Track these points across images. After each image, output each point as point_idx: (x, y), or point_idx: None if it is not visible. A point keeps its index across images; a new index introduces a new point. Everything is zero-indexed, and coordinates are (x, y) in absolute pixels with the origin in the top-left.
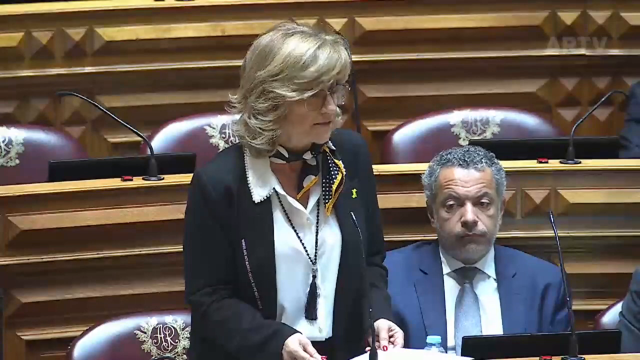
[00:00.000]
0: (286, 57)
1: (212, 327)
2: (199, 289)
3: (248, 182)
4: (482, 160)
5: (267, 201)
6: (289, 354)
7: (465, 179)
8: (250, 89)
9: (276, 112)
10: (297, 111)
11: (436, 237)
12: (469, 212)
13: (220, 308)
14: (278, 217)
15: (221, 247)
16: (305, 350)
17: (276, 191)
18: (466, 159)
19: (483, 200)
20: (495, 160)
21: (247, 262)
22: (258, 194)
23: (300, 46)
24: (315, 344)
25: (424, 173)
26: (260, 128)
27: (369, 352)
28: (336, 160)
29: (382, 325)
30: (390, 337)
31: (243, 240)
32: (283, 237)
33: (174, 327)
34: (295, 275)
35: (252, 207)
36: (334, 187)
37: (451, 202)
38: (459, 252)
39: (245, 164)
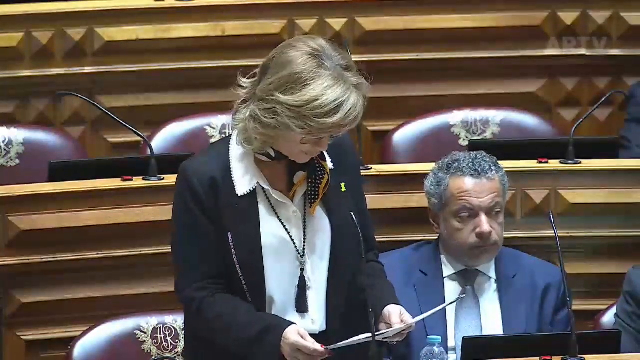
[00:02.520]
0: (311, 99)
1: (207, 323)
2: (190, 284)
3: (232, 175)
4: (492, 168)
5: (252, 194)
6: (292, 345)
7: (479, 189)
8: (262, 98)
9: (274, 130)
10: (292, 138)
11: (436, 237)
12: (485, 223)
13: (213, 304)
14: (264, 209)
15: (210, 240)
16: (304, 339)
17: (261, 185)
18: (477, 168)
19: (495, 210)
20: (500, 165)
21: (234, 255)
22: (242, 187)
23: (329, 94)
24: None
25: (424, 173)
26: (255, 136)
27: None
28: (322, 162)
29: (393, 310)
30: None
31: (229, 233)
32: (269, 229)
33: (173, 327)
34: (283, 267)
35: (236, 200)
36: (321, 188)
37: (465, 214)
38: (470, 260)
39: (230, 158)
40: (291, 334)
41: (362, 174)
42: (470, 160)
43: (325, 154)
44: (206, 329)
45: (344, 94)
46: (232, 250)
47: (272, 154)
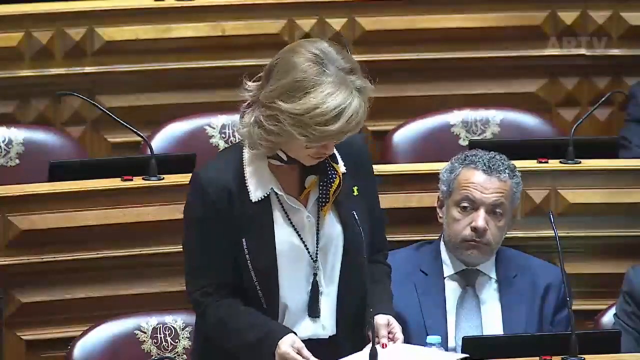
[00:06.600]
0: (312, 107)
1: (211, 326)
2: (198, 289)
3: (246, 182)
4: (506, 170)
5: (265, 200)
6: (280, 356)
7: (485, 184)
8: (265, 104)
9: (278, 137)
10: (297, 144)
11: (437, 237)
12: (481, 218)
13: (218, 307)
14: (277, 216)
15: (221, 247)
16: (299, 353)
17: (275, 191)
18: (491, 165)
19: (497, 210)
20: (517, 173)
21: (249, 262)
22: (255, 193)
23: (330, 101)
24: (319, 342)
25: (424, 173)
26: (259, 141)
27: (369, 351)
28: (334, 164)
29: (381, 321)
30: (389, 333)
31: (244, 240)
32: (283, 235)
33: (173, 327)
34: (297, 273)
35: (250, 207)
36: (331, 191)
37: (465, 204)
38: (459, 253)
39: (244, 164)
40: (284, 345)
41: None
42: (487, 158)
43: (338, 157)
44: (211, 332)
45: (346, 100)
46: (247, 257)
47: (284, 157)
